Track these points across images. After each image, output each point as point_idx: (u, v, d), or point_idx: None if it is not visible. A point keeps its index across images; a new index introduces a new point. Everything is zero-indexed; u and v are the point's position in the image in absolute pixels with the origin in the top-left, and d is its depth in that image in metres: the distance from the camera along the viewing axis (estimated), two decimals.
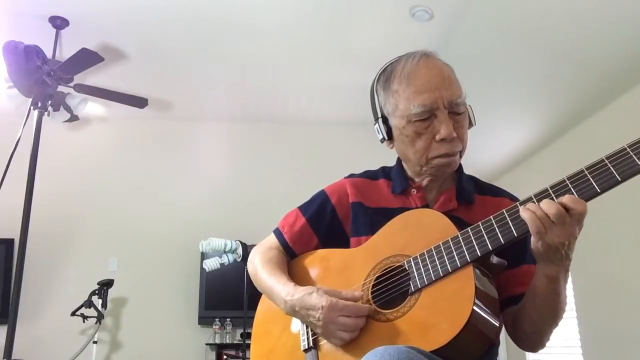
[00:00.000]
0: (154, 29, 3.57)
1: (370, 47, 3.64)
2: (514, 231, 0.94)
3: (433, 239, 1.03)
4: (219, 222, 4.42)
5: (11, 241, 4.28)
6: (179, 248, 4.49)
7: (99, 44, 3.62)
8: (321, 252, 1.26)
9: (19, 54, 3.03)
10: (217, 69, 4.10)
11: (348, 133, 4.83)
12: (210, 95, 4.54)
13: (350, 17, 3.42)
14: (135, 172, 4.74)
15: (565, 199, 0.89)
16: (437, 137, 1.10)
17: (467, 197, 1.18)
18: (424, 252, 1.03)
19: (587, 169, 0.89)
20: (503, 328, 1.08)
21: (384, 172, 1.29)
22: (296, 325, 1.16)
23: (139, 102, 3.99)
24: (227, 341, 4.27)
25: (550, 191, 0.92)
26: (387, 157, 1.39)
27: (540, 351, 1.12)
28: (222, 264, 3.48)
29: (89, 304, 3.93)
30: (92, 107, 4.30)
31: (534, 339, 1.09)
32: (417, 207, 1.17)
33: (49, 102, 2.82)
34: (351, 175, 1.32)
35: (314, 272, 1.24)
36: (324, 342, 1.08)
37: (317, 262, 1.25)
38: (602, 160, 0.88)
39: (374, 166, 1.34)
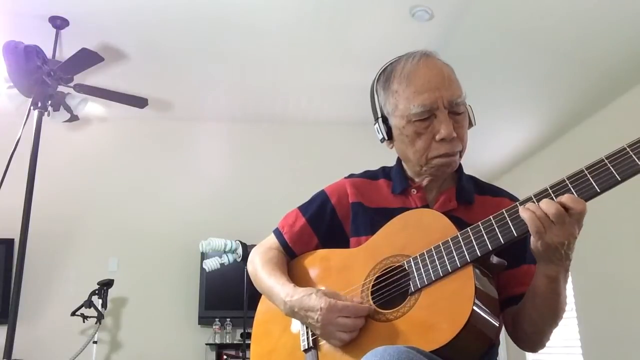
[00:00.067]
0: (154, 29, 3.57)
1: (370, 47, 3.64)
2: (514, 231, 0.94)
3: (433, 239, 1.03)
4: (219, 222, 4.42)
5: (11, 241, 4.28)
6: (179, 248, 4.49)
7: (99, 44, 3.62)
8: (321, 252, 1.26)
9: (19, 54, 3.03)
10: (217, 69, 4.10)
11: (348, 133, 4.83)
12: (210, 95, 4.54)
13: (350, 17, 3.42)
14: (135, 172, 4.74)
15: (565, 198, 0.89)
16: (437, 137, 1.10)
17: (467, 197, 1.18)
18: (423, 252, 1.03)
19: (586, 168, 0.89)
20: (503, 328, 1.09)
21: (384, 172, 1.29)
22: (296, 325, 1.16)
23: (139, 102, 3.99)
24: (227, 341, 4.26)
25: (550, 191, 0.92)
26: (387, 157, 1.39)
27: (540, 351, 1.12)
28: (222, 264, 3.48)
29: (89, 304, 3.93)
30: (92, 107, 4.30)
31: (534, 339, 1.09)
32: (417, 207, 1.17)
33: (49, 102, 2.82)
34: (351, 176, 1.32)
35: (314, 273, 1.24)
36: (323, 343, 1.08)
37: (317, 262, 1.25)
38: (602, 160, 0.88)
39: (374, 166, 1.34)
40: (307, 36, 3.66)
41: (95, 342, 3.97)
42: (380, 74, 1.21)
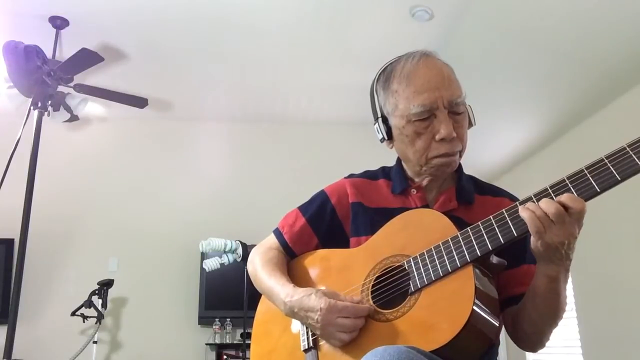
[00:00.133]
0: (154, 29, 3.57)
1: (370, 47, 3.64)
2: (514, 231, 0.94)
3: (433, 239, 1.03)
4: (219, 222, 4.42)
5: (11, 241, 4.28)
6: (179, 248, 4.49)
7: (99, 44, 3.62)
8: (321, 252, 1.26)
9: (19, 54, 3.03)
10: (217, 69, 4.10)
11: (348, 133, 4.83)
12: (210, 95, 4.54)
13: (350, 17, 3.42)
14: (135, 172, 4.74)
15: (564, 197, 0.89)
16: (437, 137, 1.10)
17: (467, 197, 1.18)
18: (423, 252, 1.03)
19: (586, 168, 0.89)
20: (503, 328, 1.08)
21: (384, 172, 1.29)
22: (296, 325, 1.16)
23: (139, 102, 3.99)
24: (227, 341, 4.26)
25: (550, 191, 0.92)
26: (387, 157, 1.39)
27: (540, 351, 1.12)
28: (222, 264, 3.48)
29: (89, 304, 3.93)
30: (92, 107, 4.30)
31: (534, 339, 1.09)
32: (417, 207, 1.17)
33: (49, 102, 2.82)
34: (351, 176, 1.32)
35: (313, 273, 1.24)
36: (323, 343, 1.08)
37: (317, 262, 1.25)
38: (602, 160, 0.88)
39: (374, 166, 1.34)
40: (307, 36, 3.66)
41: (95, 342, 3.97)
42: (380, 74, 1.21)
